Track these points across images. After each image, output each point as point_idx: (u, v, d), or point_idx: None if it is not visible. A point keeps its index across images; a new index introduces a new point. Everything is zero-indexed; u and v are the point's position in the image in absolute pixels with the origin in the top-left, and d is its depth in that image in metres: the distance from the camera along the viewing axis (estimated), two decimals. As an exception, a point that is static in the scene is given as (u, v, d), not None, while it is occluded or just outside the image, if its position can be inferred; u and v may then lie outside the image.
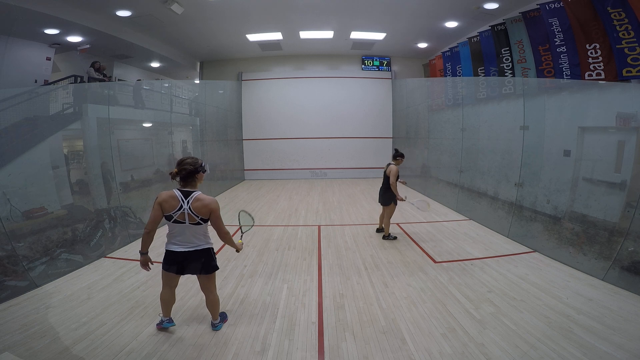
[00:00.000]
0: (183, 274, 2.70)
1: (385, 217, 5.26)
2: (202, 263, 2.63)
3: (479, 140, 6.62)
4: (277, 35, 10.12)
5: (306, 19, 8.77)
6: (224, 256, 4.64)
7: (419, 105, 10.10)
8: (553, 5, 5.82)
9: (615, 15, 4.82)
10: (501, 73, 7.51)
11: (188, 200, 2.47)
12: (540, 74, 6.35)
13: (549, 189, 4.73)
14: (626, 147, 3.75)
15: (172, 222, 2.51)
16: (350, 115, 12.53)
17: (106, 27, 7.81)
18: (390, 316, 3.03)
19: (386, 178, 5.13)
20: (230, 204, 8.20)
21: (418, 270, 4.05)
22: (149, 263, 2.67)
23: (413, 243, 5.07)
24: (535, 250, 4.61)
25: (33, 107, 4.90)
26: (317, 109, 12.52)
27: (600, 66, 5.21)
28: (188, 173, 2.50)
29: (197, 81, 12.00)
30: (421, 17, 8.42)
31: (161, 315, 2.84)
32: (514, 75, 7.14)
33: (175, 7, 7.19)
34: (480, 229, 5.72)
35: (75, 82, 7.06)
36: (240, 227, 3.26)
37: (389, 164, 5.19)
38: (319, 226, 6.07)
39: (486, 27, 7.88)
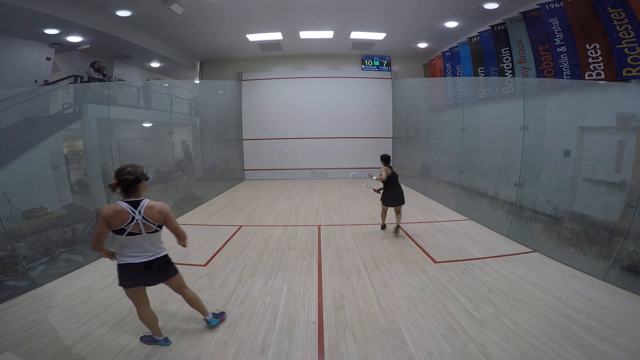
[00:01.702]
0: (148, 285, 2.52)
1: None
2: (166, 269, 2.53)
3: (479, 140, 6.62)
4: (277, 35, 10.12)
5: (306, 19, 8.77)
6: (224, 256, 4.64)
7: (419, 105, 10.10)
8: (553, 5, 5.82)
9: (615, 15, 4.82)
10: (501, 73, 7.51)
11: (139, 210, 2.31)
12: (540, 74, 6.35)
13: (549, 189, 4.73)
14: (626, 147, 3.75)
15: (126, 236, 2.31)
16: (350, 115, 12.53)
17: (106, 27, 7.81)
18: (390, 316, 3.03)
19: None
20: (230, 204, 8.20)
21: (418, 270, 4.05)
22: (113, 254, 2.49)
23: (413, 243, 5.07)
24: (535, 250, 4.61)
25: (33, 107, 4.90)
26: (317, 109, 12.52)
27: (600, 66, 5.21)
28: (130, 183, 2.31)
29: (197, 81, 12.00)
30: (421, 17, 8.42)
31: (149, 334, 2.67)
32: (514, 75, 7.14)
33: (175, 7, 7.20)
34: (480, 229, 5.72)
35: (75, 82, 7.05)
36: None
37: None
38: (319, 226, 6.07)
39: (486, 27, 7.88)
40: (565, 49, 5.74)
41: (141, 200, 2.36)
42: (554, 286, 3.54)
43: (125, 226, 2.29)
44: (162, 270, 2.50)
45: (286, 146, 12.53)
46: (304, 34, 10.00)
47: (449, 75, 9.84)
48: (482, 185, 6.41)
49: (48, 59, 7.98)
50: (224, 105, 11.23)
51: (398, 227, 5.45)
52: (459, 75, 9.29)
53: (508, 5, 7.10)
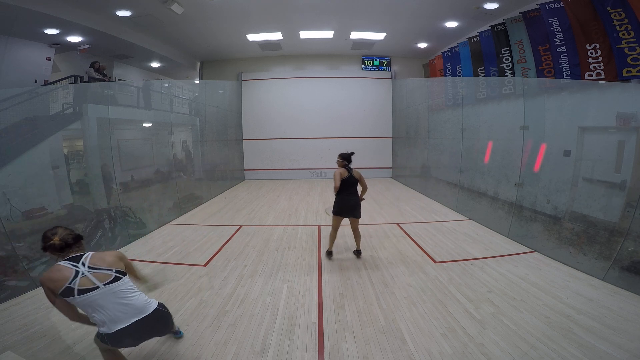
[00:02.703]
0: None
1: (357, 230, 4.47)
2: (160, 328, 2.14)
3: (479, 140, 6.62)
4: (277, 35, 10.11)
5: (306, 19, 8.77)
6: (224, 256, 4.64)
7: (419, 105, 10.10)
8: (553, 5, 5.82)
9: (615, 15, 4.82)
10: (501, 73, 7.51)
11: (82, 262, 1.90)
12: (540, 74, 6.35)
13: (549, 189, 4.73)
14: (626, 147, 3.75)
15: (78, 295, 1.83)
16: (350, 115, 12.53)
17: (106, 27, 7.81)
18: (390, 316, 3.03)
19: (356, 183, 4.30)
20: (230, 204, 8.20)
21: (418, 270, 4.05)
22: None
23: (413, 243, 5.07)
24: (535, 250, 4.61)
25: (33, 107, 4.89)
26: (317, 109, 12.51)
27: (600, 66, 5.21)
28: (75, 237, 2.00)
29: (197, 81, 11.99)
30: (421, 17, 8.42)
31: None
32: (514, 75, 7.14)
33: (175, 7, 7.19)
34: (480, 229, 5.72)
35: (75, 82, 7.05)
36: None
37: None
38: (319, 226, 6.07)
39: (486, 27, 7.87)
40: (565, 49, 5.74)
41: (82, 254, 1.95)
42: (554, 286, 3.54)
43: (70, 284, 1.81)
44: (159, 327, 2.07)
45: (286, 146, 12.53)
46: (304, 34, 10.00)
47: (449, 75, 9.83)
48: (482, 185, 6.41)
49: (48, 59, 7.98)
50: (224, 105, 11.23)
51: (358, 251, 4.49)
52: (459, 75, 9.29)
53: (508, 5, 7.10)
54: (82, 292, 1.82)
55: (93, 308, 1.84)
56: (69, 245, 1.94)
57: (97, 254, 1.97)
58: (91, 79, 7.46)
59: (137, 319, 1.89)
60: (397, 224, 6.16)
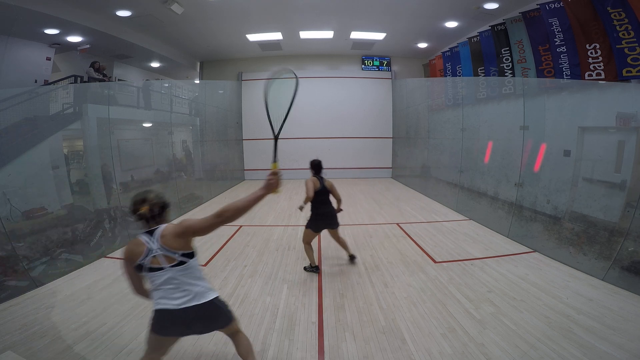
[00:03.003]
0: (183, 335, 2.02)
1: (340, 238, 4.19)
2: (213, 320, 1.99)
3: (479, 140, 6.62)
4: (277, 35, 10.11)
5: (306, 19, 8.77)
6: (224, 256, 4.65)
7: (419, 105, 10.10)
8: (553, 5, 5.81)
9: (615, 15, 4.81)
10: (501, 73, 7.51)
11: (156, 239, 1.88)
12: (540, 74, 6.34)
13: (549, 189, 4.73)
14: (626, 147, 3.75)
15: (148, 272, 1.86)
16: (350, 115, 12.53)
17: (106, 27, 7.80)
18: (390, 316, 3.03)
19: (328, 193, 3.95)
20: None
21: (418, 270, 4.05)
22: None
23: (413, 243, 5.07)
24: (535, 250, 4.61)
25: (33, 107, 4.90)
26: (317, 109, 12.50)
27: (600, 66, 5.21)
28: (161, 208, 1.99)
29: (197, 81, 12.00)
30: (421, 17, 8.42)
31: None
32: (514, 75, 7.13)
33: (175, 7, 7.19)
34: (480, 229, 5.72)
35: (75, 82, 7.06)
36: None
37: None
38: (319, 226, 6.07)
39: (486, 27, 7.87)
40: (565, 49, 5.74)
41: (157, 227, 1.92)
42: (554, 286, 3.54)
43: (141, 261, 1.83)
44: (207, 322, 1.93)
45: (286, 146, 12.44)
46: (304, 34, 10.00)
47: (449, 75, 9.83)
48: (482, 185, 6.41)
49: (48, 59, 7.97)
50: (224, 105, 11.23)
51: (352, 256, 4.26)
52: (459, 75, 9.29)
53: (508, 5, 7.09)
54: (150, 270, 1.84)
55: (154, 285, 1.86)
56: (153, 217, 1.94)
57: (167, 233, 1.90)
58: (91, 79, 7.46)
59: (188, 305, 1.83)
60: (397, 224, 6.16)
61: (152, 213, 1.92)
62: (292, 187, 10.60)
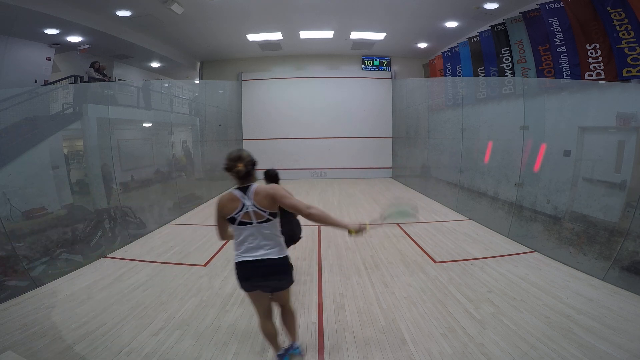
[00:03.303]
0: (263, 291, 2.19)
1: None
2: (282, 278, 2.21)
3: (479, 140, 6.62)
4: (277, 35, 10.11)
5: (306, 19, 8.77)
6: (224, 256, 4.64)
7: (419, 105, 10.10)
8: (553, 5, 5.81)
9: (615, 15, 4.81)
10: (501, 73, 7.51)
11: (249, 196, 2.04)
12: (540, 74, 6.35)
13: (549, 189, 4.73)
14: (626, 147, 3.75)
15: (237, 225, 2.06)
16: (350, 115, 12.53)
17: (106, 27, 7.80)
18: (390, 316, 3.03)
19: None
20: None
21: (418, 270, 4.04)
22: None
23: (413, 243, 5.07)
24: (535, 250, 4.61)
25: (33, 107, 4.90)
26: (317, 109, 12.51)
27: (600, 66, 5.21)
28: (253, 165, 2.18)
29: (197, 81, 12.00)
30: (421, 17, 8.42)
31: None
32: (514, 75, 7.13)
33: (175, 7, 7.19)
34: (480, 229, 5.72)
35: (75, 82, 7.06)
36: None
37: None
38: (319, 226, 6.07)
39: (486, 27, 7.87)
40: (565, 49, 5.74)
41: (250, 185, 2.08)
42: (554, 286, 3.54)
43: (235, 214, 2.02)
44: (276, 275, 2.13)
45: (286, 146, 12.52)
46: (304, 34, 10.00)
47: (449, 75, 9.83)
48: (482, 185, 6.41)
49: (48, 59, 7.97)
50: (224, 105, 11.23)
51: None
52: (459, 75, 9.29)
53: (508, 5, 7.09)
54: (241, 223, 2.04)
55: (240, 237, 2.08)
56: (247, 174, 2.10)
57: (260, 192, 2.05)
58: (91, 79, 7.46)
59: (265, 257, 2.06)
60: (397, 224, 6.16)
61: (247, 170, 2.09)
62: (292, 187, 10.59)
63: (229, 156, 2.08)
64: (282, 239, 2.19)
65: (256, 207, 2.03)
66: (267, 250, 2.08)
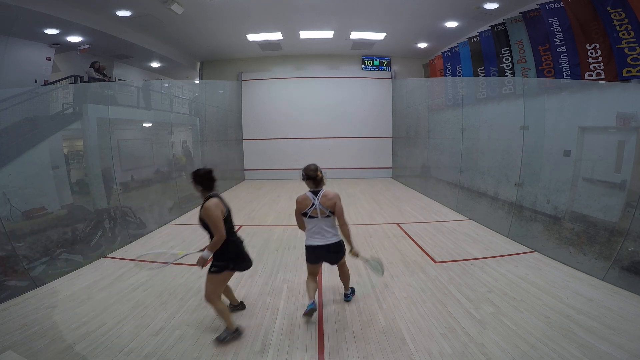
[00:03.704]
0: (326, 262, 3.11)
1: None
2: (338, 252, 3.03)
3: (479, 140, 6.62)
4: (277, 35, 10.12)
5: (306, 19, 8.77)
6: (224, 256, 4.64)
7: (419, 105, 10.10)
8: (553, 5, 5.81)
9: (615, 15, 4.81)
10: (501, 73, 7.50)
11: (317, 198, 2.88)
12: (540, 74, 6.34)
13: (549, 189, 4.73)
14: (626, 147, 3.75)
15: (308, 218, 2.92)
16: (350, 115, 12.53)
17: (106, 27, 7.81)
18: (390, 316, 3.03)
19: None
20: (230, 204, 8.18)
21: (418, 270, 4.05)
22: None
23: (413, 243, 5.07)
24: (535, 250, 4.61)
25: (33, 107, 4.90)
26: (317, 109, 12.51)
27: (600, 66, 5.20)
28: (319, 179, 2.99)
29: (197, 81, 12.00)
30: (421, 17, 8.42)
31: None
32: (514, 75, 7.13)
33: (175, 7, 7.19)
34: (480, 229, 5.72)
35: (75, 82, 7.06)
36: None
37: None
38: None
39: (486, 27, 7.87)
40: (565, 49, 5.74)
41: (319, 190, 2.91)
42: (554, 286, 3.54)
43: (307, 210, 2.87)
44: (334, 255, 3.00)
45: (286, 146, 12.52)
46: (304, 34, 10.00)
47: (449, 75, 9.83)
48: (482, 185, 6.41)
49: (48, 59, 7.98)
50: (224, 105, 11.23)
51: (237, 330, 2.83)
52: (459, 75, 9.29)
53: (508, 5, 7.09)
54: (310, 217, 2.89)
55: (309, 227, 2.94)
56: (320, 181, 2.94)
57: (325, 196, 2.89)
58: (91, 79, 7.46)
59: (323, 243, 2.92)
60: (397, 224, 6.16)
61: (321, 177, 2.95)
62: (293, 187, 10.60)
63: (309, 167, 2.96)
64: (337, 230, 2.99)
65: (321, 207, 2.86)
66: (326, 237, 2.92)
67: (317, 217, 2.85)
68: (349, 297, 3.34)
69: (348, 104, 12.50)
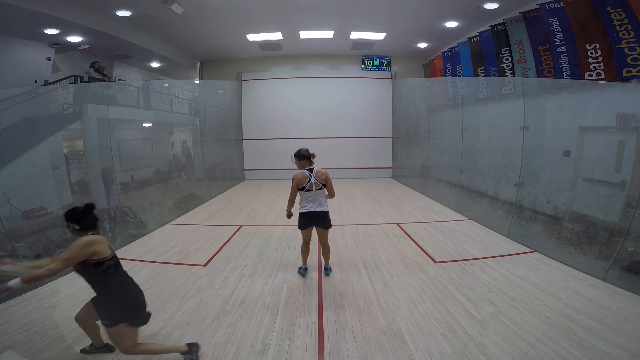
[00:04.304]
0: (316, 226, 3.75)
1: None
2: (325, 221, 3.71)
3: (479, 140, 6.62)
4: (277, 35, 10.11)
5: (306, 19, 8.76)
6: (224, 256, 4.65)
7: (419, 105, 10.10)
8: (553, 5, 5.81)
9: (615, 15, 4.81)
10: (501, 73, 7.50)
11: (312, 174, 3.63)
12: (540, 74, 6.34)
13: (549, 189, 4.73)
14: (626, 147, 3.75)
15: (305, 191, 3.64)
16: (350, 115, 12.52)
17: (106, 27, 7.80)
18: (390, 316, 3.03)
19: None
20: (230, 204, 8.20)
21: (418, 270, 4.05)
22: (291, 214, 3.78)
23: (413, 243, 5.07)
24: (535, 250, 4.61)
25: (33, 107, 4.90)
26: (317, 109, 12.50)
27: (600, 66, 5.21)
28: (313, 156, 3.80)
29: (197, 81, 11.99)
30: (421, 17, 8.42)
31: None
32: (514, 75, 7.13)
33: (175, 7, 7.19)
34: (480, 229, 5.72)
35: (75, 82, 7.05)
36: None
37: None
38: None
39: (486, 27, 7.87)
40: (565, 49, 5.74)
41: (313, 167, 3.67)
42: (554, 286, 3.54)
43: (306, 184, 3.59)
44: (323, 221, 3.69)
45: (286, 146, 12.44)
46: (304, 34, 10.00)
47: (449, 75, 9.83)
48: (482, 185, 6.41)
49: (48, 59, 7.97)
50: (224, 105, 11.23)
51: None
52: (459, 75, 9.29)
53: (508, 5, 7.09)
54: (306, 190, 3.63)
55: (304, 198, 3.68)
56: (312, 161, 3.71)
57: (318, 172, 3.68)
58: (91, 79, 7.46)
59: (315, 209, 3.66)
60: (397, 224, 6.16)
61: (313, 155, 3.74)
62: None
63: (303, 150, 3.73)
64: (326, 200, 3.79)
65: (317, 181, 3.63)
66: (318, 205, 3.67)
67: (313, 190, 3.61)
68: (327, 270, 3.94)
69: (348, 104, 12.50)
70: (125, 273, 2.30)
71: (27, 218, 4.14)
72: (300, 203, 3.68)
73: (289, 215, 3.75)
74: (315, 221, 3.68)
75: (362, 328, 2.85)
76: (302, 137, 12.51)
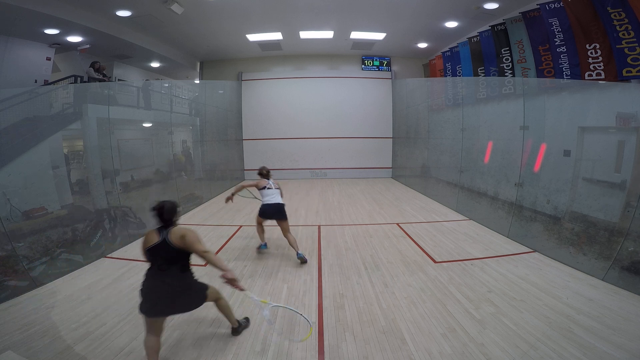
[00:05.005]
0: (272, 218, 4.44)
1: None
2: (282, 212, 4.41)
3: (479, 140, 6.62)
4: (277, 35, 10.12)
5: (306, 19, 8.77)
6: (224, 256, 4.65)
7: (419, 105, 10.10)
8: (553, 5, 5.81)
9: (615, 15, 4.81)
10: (501, 73, 7.50)
11: (270, 181, 4.57)
12: (540, 74, 6.34)
13: (549, 189, 4.73)
14: (626, 147, 3.75)
15: (266, 189, 4.50)
16: (350, 115, 12.53)
17: (106, 27, 7.81)
18: (390, 316, 3.03)
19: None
20: (230, 204, 8.18)
21: (418, 270, 4.05)
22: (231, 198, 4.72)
23: (413, 243, 5.07)
24: (535, 250, 4.61)
25: (33, 107, 4.90)
26: (317, 109, 12.51)
27: (600, 66, 5.20)
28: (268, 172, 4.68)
29: (197, 81, 12.00)
30: (421, 17, 8.42)
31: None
32: (514, 75, 7.13)
33: (175, 7, 7.20)
34: (480, 229, 5.72)
35: (75, 82, 7.05)
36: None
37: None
38: (319, 226, 6.07)
39: (486, 27, 7.87)
40: (565, 49, 5.74)
41: (270, 178, 4.59)
42: (554, 286, 3.54)
43: (266, 185, 4.49)
44: (280, 211, 4.40)
45: (286, 146, 12.53)
46: (304, 34, 10.00)
47: (449, 75, 9.83)
48: (482, 185, 6.41)
49: (48, 59, 7.98)
50: (224, 105, 11.23)
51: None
52: (459, 75, 9.29)
53: (508, 5, 7.10)
54: (266, 189, 4.49)
55: (264, 195, 4.48)
56: (268, 175, 4.61)
57: (275, 181, 4.61)
58: (91, 79, 7.45)
59: (273, 202, 4.42)
60: (397, 224, 6.16)
61: (268, 173, 4.65)
62: (292, 187, 10.61)
63: (263, 169, 4.76)
64: (279, 197, 4.58)
65: (274, 185, 4.53)
66: (275, 200, 4.45)
67: (272, 188, 4.49)
68: (300, 254, 4.31)
69: (348, 104, 12.50)
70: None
71: (27, 218, 4.14)
72: (262, 199, 4.53)
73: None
74: (272, 213, 4.45)
75: (362, 328, 2.85)
76: (302, 137, 12.53)
